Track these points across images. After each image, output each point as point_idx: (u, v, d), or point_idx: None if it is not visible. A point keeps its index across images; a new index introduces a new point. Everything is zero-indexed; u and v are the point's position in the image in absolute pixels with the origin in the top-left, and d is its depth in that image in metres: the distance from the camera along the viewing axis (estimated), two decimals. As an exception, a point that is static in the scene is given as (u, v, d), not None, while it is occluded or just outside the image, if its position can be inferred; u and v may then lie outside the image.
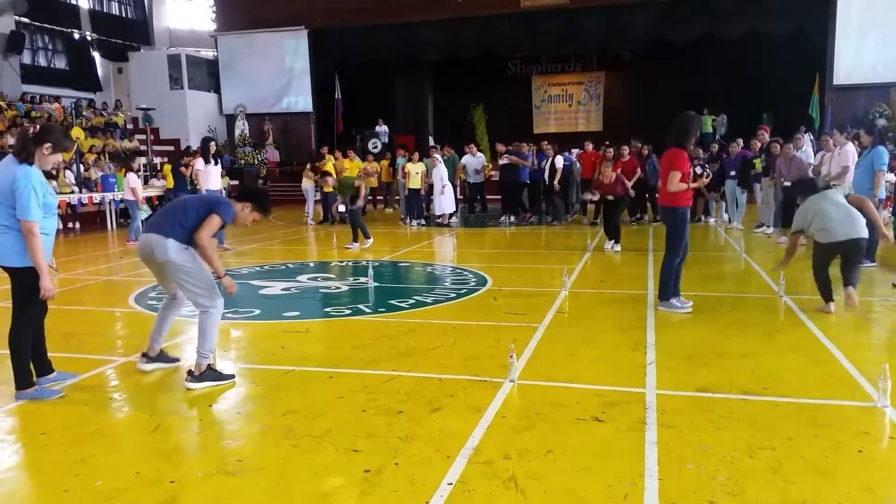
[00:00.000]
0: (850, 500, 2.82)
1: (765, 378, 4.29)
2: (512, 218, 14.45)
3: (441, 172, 14.30)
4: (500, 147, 15.04)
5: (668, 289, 6.15)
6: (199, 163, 10.91)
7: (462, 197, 16.87)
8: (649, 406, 3.83)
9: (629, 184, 11.14)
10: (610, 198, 10.38)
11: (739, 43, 20.52)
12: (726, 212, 13.46)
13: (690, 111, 6.17)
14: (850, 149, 9.04)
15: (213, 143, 11.12)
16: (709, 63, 22.35)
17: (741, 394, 4.02)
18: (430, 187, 14.78)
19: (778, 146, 10.97)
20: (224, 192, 14.14)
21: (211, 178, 10.74)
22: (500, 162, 15.02)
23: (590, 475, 3.05)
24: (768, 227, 11.62)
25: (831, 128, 16.27)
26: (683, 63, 22.16)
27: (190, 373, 4.36)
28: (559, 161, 14.04)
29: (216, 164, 10.95)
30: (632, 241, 10.93)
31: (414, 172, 14.63)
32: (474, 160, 15.79)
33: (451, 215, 14.52)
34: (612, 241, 10.08)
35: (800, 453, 3.22)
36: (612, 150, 13.56)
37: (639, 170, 13.13)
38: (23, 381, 4.17)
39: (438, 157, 14.73)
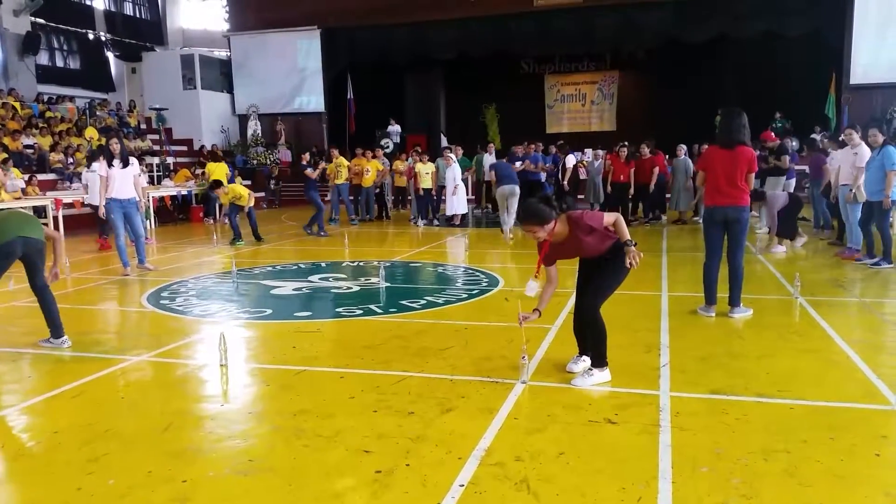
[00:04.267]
0: (867, 504, 2.78)
1: (780, 380, 4.25)
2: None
3: (454, 173, 14.27)
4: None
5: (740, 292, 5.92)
6: (101, 167, 8.67)
7: (474, 196, 16.84)
8: (663, 408, 3.80)
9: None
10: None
11: (754, 43, 20.35)
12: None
13: (734, 107, 6.16)
14: (866, 150, 8.91)
15: (114, 141, 8.75)
16: (723, 63, 22.16)
17: (756, 396, 3.97)
18: (441, 188, 14.75)
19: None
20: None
21: (116, 184, 8.55)
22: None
23: (603, 477, 3.02)
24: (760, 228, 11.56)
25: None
26: (698, 62, 21.99)
27: None
28: (570, 160, 14.00)
29: (125, 166, 8.61)
30: (646, 241, 10.86)
31: (424, 173, 14.62)
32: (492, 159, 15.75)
33: (462, 216, 14.50)
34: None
35: (815, 456, 3.18)
36: (625, 149, 13.49)
37: (657, 168, 13.06)
38: None
39: (452, 157, 14.71)
